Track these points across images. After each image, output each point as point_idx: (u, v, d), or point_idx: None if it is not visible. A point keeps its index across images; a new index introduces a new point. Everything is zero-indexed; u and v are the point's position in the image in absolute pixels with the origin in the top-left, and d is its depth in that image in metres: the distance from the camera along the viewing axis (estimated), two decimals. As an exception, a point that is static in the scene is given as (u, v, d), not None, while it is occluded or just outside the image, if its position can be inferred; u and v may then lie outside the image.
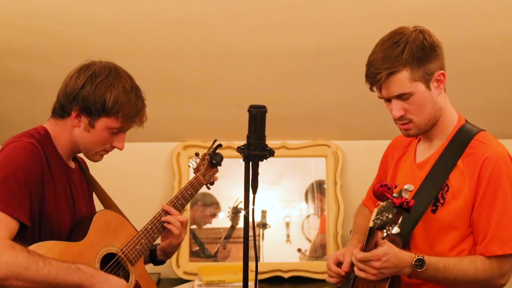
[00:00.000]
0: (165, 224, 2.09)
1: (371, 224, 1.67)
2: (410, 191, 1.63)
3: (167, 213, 2.11)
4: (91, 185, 2.11)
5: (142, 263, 2.05)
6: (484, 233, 1.81)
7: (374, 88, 1.88)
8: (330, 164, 3.36)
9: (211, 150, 2.30)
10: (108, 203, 2.12)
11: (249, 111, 1.70)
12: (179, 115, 3.24)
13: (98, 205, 2.15)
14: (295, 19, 2.70)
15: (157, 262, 2.20)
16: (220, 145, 2.30)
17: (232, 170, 3.21)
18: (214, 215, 3.37)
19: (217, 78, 3.03)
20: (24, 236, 1.77)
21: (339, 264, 1.95)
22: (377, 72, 1.82)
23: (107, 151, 1.99)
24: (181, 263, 3.25)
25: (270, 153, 1.72)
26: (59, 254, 1.78)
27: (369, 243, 1.76)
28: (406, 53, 1.80)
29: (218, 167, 2.33)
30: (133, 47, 2.80)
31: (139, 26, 2.72)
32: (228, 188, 3.33)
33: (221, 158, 2.32)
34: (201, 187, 2.27)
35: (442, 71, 1.86)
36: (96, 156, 1.98)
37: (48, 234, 1.85)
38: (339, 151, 3.37)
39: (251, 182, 1.71)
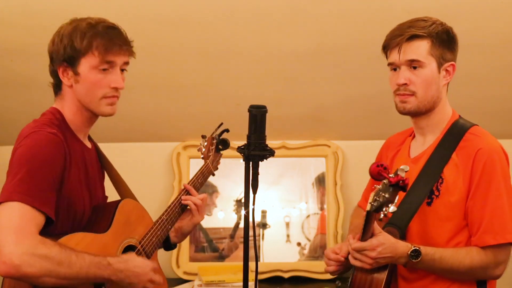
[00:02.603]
0: (186, 202, 2.11)
1: (368, 207, 1.69)
2: (406, 171, 1.66)
3: (187, 193, 2.13)
4: (105, 167, 2.07)
5: (156, 256, 2.06)
6: (478, 224, 1.84)
7: (389, 52, 1.91)
8: (330, 164, 3.36)
9: (216, 133, 2.25)
10: (122, 188, 2.10)
11: (249, 111, 1.70)
12: (179, 115, 3.24)
13: (110, 188, 2.12)
14: (295, 19, 2.70)
15: (169, 246, 2.20)
16: (227, 130, 2.24)
17: (232, 170, 3.21)
18: (214, 203, 3.36)
19: (217, 78, 3.03)
20: (47, 226, 1.73)
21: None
22: (400, 34, 1.88)
23: (109, 97, 1.87)
24: (181, 263, 3.25)
25: (270, 153, 1.72)
26: (87, 247, 1.75)
27: (367, 231, 1.78)
28: (433, 28, 1.88)
29: (221, 154, 2.30)
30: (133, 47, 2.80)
31: (139, 26, 2.72)
32: (228, 188, 3.33)
33: (228, 144, 2.27)
34: (210, 175, 2.25)
35: (453, 63, 1.92)
36: (102, 107, 1.87)
37: (67, 219, 1.81)
38: (339, 151, 3.37)
39: (251, 182, 1.71)
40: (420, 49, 1.86)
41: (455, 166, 1.87)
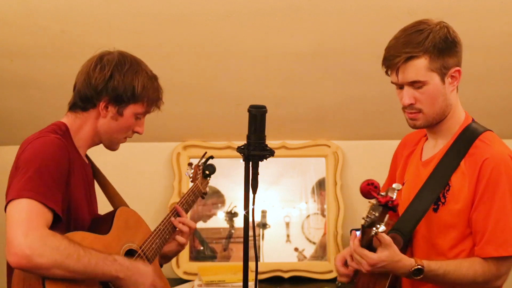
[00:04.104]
0: (177, 224, 2.12)
1: (362, 221, 1.67)
2: (397, 190, 1.63)
3: (177, 214, 2.15)
4: (100, 182, 2.12)
5: (158, 262, 2.07)
6: (481, 234, 1.81)
7: (389, 72, 1.87)
8: (330, 164, 3.36)
9: (202, 161, 2.36)
10: (119, 202, 2.11)
11: (249, 111, 1.70)
12: (179, 115, 3.24)
13: (106, 203, 2.14)
14: (295, 19, 2.70)
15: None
16: (211, 157, 2.37)
17: (232, 170, 3.21)
18: (216, 205, 3.37)
19: (217, 78, 3.03)
20: (54, 229, 1.75)
21: (345, 263, 1.96)
22: (397, 55, 1.82)
23: (126, 138, 2.02)
24: (181, 263, 3.25)
25: (270, 153, 1.72)
26: (89, 246, 1.76)
27: (364, 240, 1.77)
28: (429, 42, 1.80)
29: (208, 178, 2.39)
30: (133, 47, 2.78)
31: (139, 26, 2.72)
32: (228, 188, 3.34)
33: (214, 169, 2.37)
34: (200, 195, 2.32)
35: (458, 68, 1.85)
36: (118, 145, 2.02)
37: (73, 226, 1.84)
38: (339, 151, 3.37)
39: (251, 182, 1.71)
40: (419, 69, 1.81)
41: (462, 174, 1.84)
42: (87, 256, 1.68)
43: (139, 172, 3.37)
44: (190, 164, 2.38)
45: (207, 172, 2.36)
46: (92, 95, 1.90)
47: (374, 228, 1.64)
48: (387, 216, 1.65)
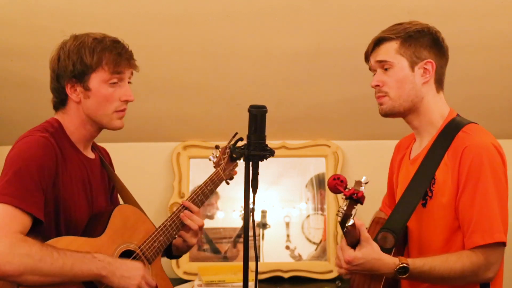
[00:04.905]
0: (185, 220, 2.04)
1: (338, 218, 1.68)
2: (365, 183, 1.64)
3: (186, 209, 2.06)
4: (111, 177, 2.07)
5: (159, 261, 2.01)
6: (467, 224, 1.79)
7: (369, 63, 1.96)
8: (330, 164, 3.37)
9: (231, 143, 2.22)
10: (126, 197, 2.08)
11: (249, 111, 1.70)
12: (179, 115, 3.24)
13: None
14: (295, 19, 2.70)
15: (172, 256, 2.16)
16: (241, 139, 2.21)
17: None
18: (217, 207, 3.37)
19: (217, 78, 3.03)
20: (41, 231, 1.73)
21: None
22: (371, 43, 1.94)
23: (122, 110, 1.92)
24: (181, 263, 3.25)
25: (270, 153, 1.72)
26: (76, 250, 1.73)
27: (347, 237, 1.76)
28: (402, 29, 1.90)
29: (238, 161, 2.25)
30: (133, 47, 2.78)
31: (139, 26, 2.72)
32: (228, 188, 3.32)
33: (242, 153, 2.25)
34: (221, 182, 2.20)
35: (431, 61, 1.89)
36: (114, 121, 1.91)
37: (64, 227, 1.81)
38: (339, 151, 3.38)
39: (251, 182, 1.71)
40: (388, 50, 1.89)
41: (445, 166, 1.84)
42: (61, 258, 1.65)
43: (139, 172, 3.37)
44: (217, 147, 2.24)
45: (234, 155, 2.18)
46: (57, 86, 1.89)
47: (346, 223, 1.65)
48: (354, 210, 1.64)
